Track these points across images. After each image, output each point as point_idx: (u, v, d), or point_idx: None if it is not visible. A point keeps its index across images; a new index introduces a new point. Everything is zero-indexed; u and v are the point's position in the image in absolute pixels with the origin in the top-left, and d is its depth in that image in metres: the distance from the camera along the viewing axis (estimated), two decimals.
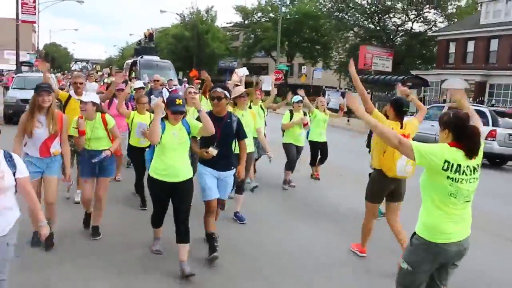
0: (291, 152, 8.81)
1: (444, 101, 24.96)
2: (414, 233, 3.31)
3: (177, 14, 54.31)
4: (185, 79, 25.56)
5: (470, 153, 3.09)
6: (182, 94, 8.33)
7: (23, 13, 25.10)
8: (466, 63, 30.92)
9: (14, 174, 3.25)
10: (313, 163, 9.72)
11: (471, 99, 25.32)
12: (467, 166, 3.10)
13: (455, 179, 3.07)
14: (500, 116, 14.11)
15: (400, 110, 5.06)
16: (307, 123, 8.79)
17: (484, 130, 11.42)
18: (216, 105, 5.16)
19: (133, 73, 25.05)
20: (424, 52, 38.44)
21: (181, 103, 4.63)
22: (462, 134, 3.10)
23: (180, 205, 4.70)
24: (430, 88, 30.52)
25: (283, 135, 8.94)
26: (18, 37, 25.04)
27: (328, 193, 8.71)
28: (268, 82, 10.44)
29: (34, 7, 26.07)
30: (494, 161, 14.29)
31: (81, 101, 5.42)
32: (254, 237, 5.98)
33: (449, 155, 3.07)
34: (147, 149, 5.37)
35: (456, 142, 3.11)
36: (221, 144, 5.14)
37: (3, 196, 3.22)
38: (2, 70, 45.67)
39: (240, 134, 5.42)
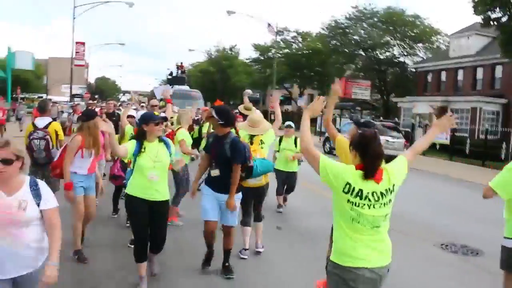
0: (278, 178, 9.02)
1: (413, 125, 30.79)
2: (329, 260, 3.14)
3: (204, 51, 62.05)
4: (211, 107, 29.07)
5: (365, 174, 2.92)
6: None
7: (76, 59, 33.17)
8: (440, 91, 36.33)
9: (38, 205, 2.96)
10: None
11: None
12: (373, 192, 2.93)
13: (356, 203, 2.91)
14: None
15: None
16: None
17: None
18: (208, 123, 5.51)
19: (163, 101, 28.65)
20: (408, 82, 43.89)
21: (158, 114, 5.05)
22: (364, 155, 2.94)
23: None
24: (404, 113, 36.05)
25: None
26: (72, 77, 32.96)
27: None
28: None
29: (84, 54, 34.09)
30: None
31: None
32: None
33: (352, 178, 2.92)
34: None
35: (361, 164, 2.95)
36: (217, 165, 5.22)
37: (26, 229, 2.93)
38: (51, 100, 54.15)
39: (232, 157, 5.13)
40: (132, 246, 5.88)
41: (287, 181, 9.13)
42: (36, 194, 2.97)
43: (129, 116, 7.99)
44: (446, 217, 10.14)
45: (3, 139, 2.99)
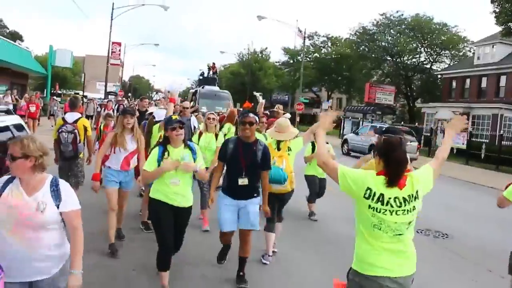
0: (312, 185, 8.85)
1: (432, 130, 31.39)
2: (351, 268, 3.08)
3: (236, 54, 63.45)
4: (241, 108, 29.25)
5: (389, 182, 2.85)
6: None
7: (112, 58, 35.09)
8: (463, 97, 36.78)
9: (58, 207, 2.81)
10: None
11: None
12: (395, 198, 2.85)
13: (377, 209, 2.85)
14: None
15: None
16: None
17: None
18: (247, 130, 4.98)
19: (193, 102, 24.95)
20: (434, 88, 44.25)
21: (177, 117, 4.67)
22: (388, 161, 2.88)
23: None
24: (427, 119, 36.65)
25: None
26: (107, 75, 34.81)
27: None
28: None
29: (120, 54, 35.99)
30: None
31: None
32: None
33: (373, 183, 2.87)
34: None
35: (384, 170, 2.89)
36: (249, 173, 4.96)
37: (44, 233, 2.79)
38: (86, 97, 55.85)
39: (264, 164, 5.08)
40: (143, 227, 6.65)
41: (319, 187, 8.94)
42: (56, 196, 2.82)
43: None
44: (433, 209, 10.41)
45: (16, 138, 2.88)
